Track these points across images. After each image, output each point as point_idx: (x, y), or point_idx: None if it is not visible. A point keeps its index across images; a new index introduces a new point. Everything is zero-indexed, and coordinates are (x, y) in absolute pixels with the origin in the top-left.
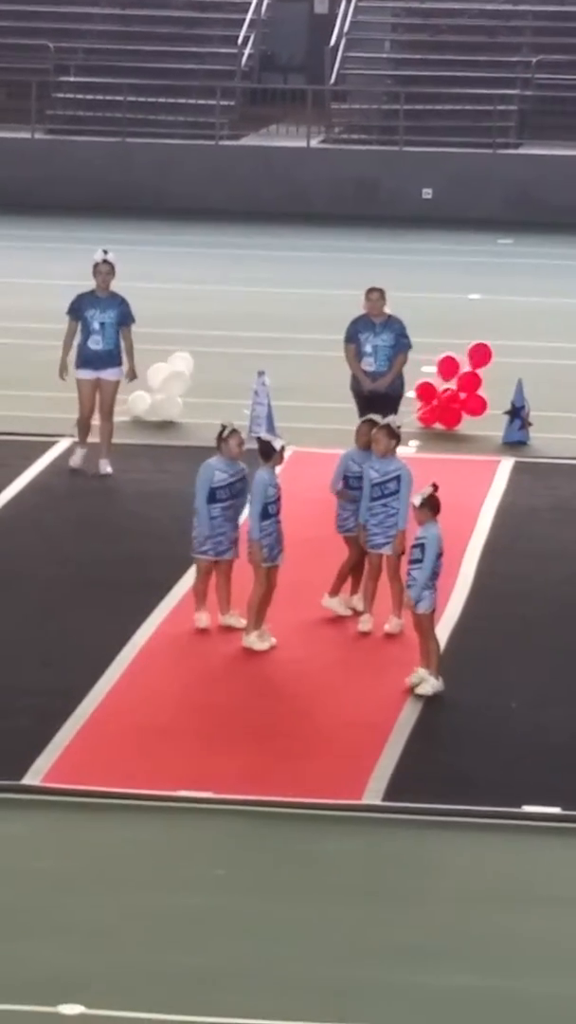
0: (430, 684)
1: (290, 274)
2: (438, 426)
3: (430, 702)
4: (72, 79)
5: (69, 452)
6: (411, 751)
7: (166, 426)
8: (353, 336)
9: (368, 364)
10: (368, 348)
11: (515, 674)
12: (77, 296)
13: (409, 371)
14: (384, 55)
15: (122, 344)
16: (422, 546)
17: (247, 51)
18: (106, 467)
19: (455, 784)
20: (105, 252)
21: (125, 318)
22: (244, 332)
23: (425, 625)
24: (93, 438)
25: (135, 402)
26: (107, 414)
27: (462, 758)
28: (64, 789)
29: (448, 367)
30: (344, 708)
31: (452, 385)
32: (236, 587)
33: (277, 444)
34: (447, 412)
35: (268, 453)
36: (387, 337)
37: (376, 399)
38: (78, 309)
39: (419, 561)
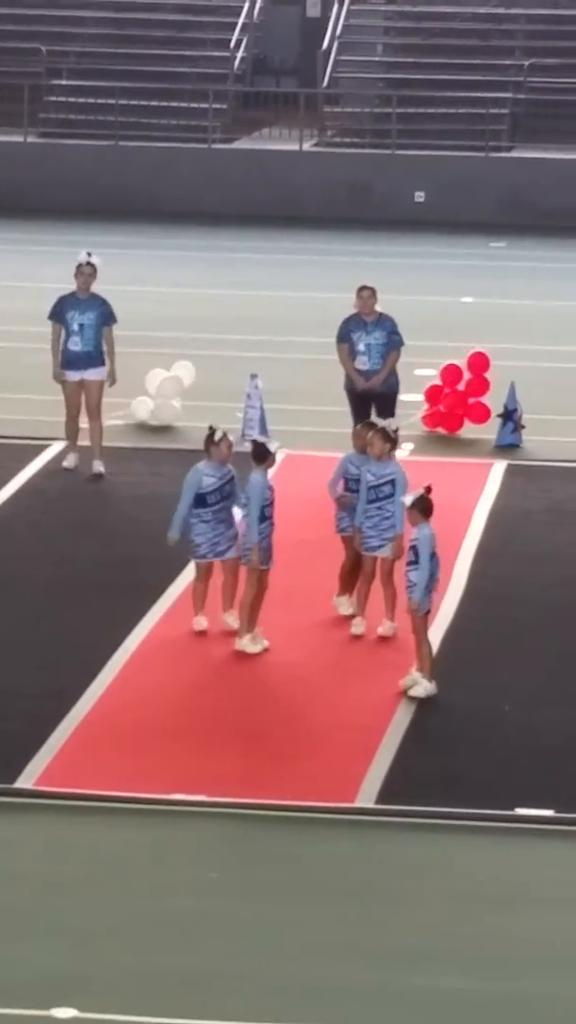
0: (423, 687)
1: (283, 277)
2: (440, 430)
3: (423, 704)
4: (65, 82)
5: (62, 455)
6: (404, 754)
7: (161, 429)
8: (346, 335)
9: (362, 363)
10: (361, 347)
11: (508, 676)
12: (59, 298)
13: (403, 373)
14: (376, 58)
15: (104, 346)
16: (415, 548)
17: (240, 54)
18: (99, 467)
19: (448, 787)
20: (89, 254)
21: (106, 318)
22: (237, 335)
23: (419, 626)
24: (84, 441)
25: (137, 407)
26: (95, 414)
27: (455, 760)
28: (57, 792)
29: (451, 375)
30: (337, 711)
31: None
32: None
33: (271, 447)
34: (450, 417)
35: (262, 456)
36: (379, 335)
37: (371, 397)
38: (60, 312)
39: (414, 563)
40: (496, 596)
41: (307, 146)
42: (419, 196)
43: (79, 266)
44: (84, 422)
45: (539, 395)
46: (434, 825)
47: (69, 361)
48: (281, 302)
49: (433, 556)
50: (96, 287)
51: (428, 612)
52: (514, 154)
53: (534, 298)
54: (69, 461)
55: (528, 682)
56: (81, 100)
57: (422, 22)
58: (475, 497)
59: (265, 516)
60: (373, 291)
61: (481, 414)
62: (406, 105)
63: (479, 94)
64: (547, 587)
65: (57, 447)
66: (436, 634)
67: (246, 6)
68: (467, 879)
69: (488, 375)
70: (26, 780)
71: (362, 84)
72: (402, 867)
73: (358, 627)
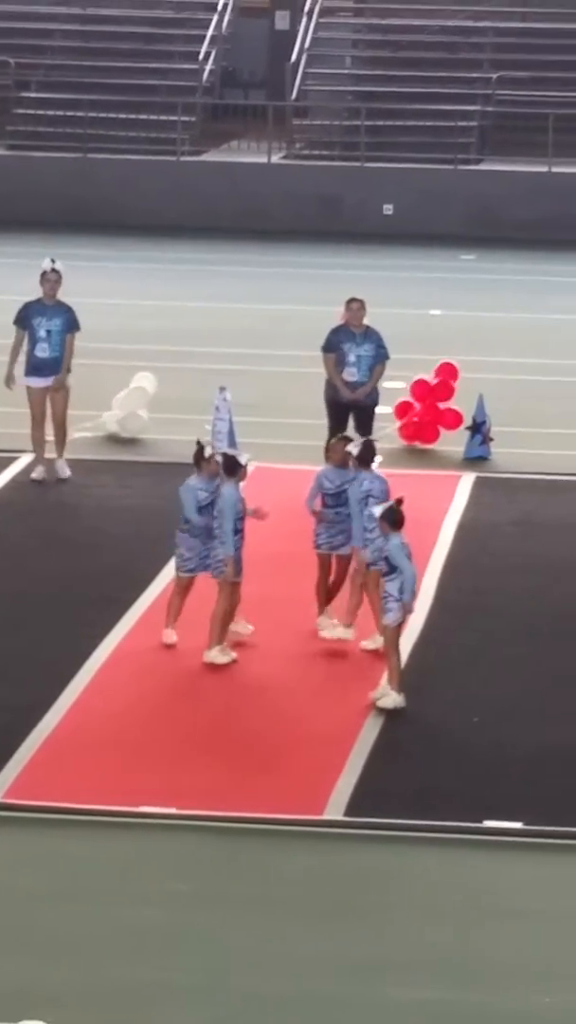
0: (391, 698)
1: (252, 290)
2: (417, 444)
3: (392, 716)
4: (33, 95)
5: (31, 467)
6: (373, 766)
7: (129, 442)
8: (335, 346)
9: (351, 374)
10: (352, 358)
11: (477, 688)
12: (24, 305)
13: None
14: (345, 71)
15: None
16: (386, 559)
17: (208, 67)
18: (64, 470)
19: (417, 799)
20: (53, 261)
21: (71, 325)
22: (206, 348)
23: (389, 638)
24: (50, 454)
25: (107, 419)
26: (60, 421)
27: (424, 773)
28: (26, 805)
29: (420, 390)
30: (306, 723)
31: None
32: (200, 603)
33: (243, 459)
34: (426, 428)
35: (233, 468)
36: (369, 347)
37: (352, 409)
38: (25, 318)
39: (388, 574)
40: (465, 608)
41: (276, 159)
42: (388, 209)
43: (44, 273)
44: (50, 434)
45: (507, 407)
46: (403, 838)
47: (35, 367)
48: (250, 315)
49: (408, 561)
50: (65, 299)
51: (400, 625)
52: (483, 167)
53: (503, 310)
54: (38, 473)
55: (497, 693)
56: (50, 112)
57: (390, 35)
58: (444, 509)
59: (238, 529)
60: (362, 303)
61: (453, 420)
62: (375, 118)
63: (448, 107)
64: (515, 599)
65: (25, 459)
66: (405, 646)
67: (215, 19)
68: (437, 891)
69: (455, 383)
70: None
71: (331, 97)
72: (371, 879)
73: (332, 631)
